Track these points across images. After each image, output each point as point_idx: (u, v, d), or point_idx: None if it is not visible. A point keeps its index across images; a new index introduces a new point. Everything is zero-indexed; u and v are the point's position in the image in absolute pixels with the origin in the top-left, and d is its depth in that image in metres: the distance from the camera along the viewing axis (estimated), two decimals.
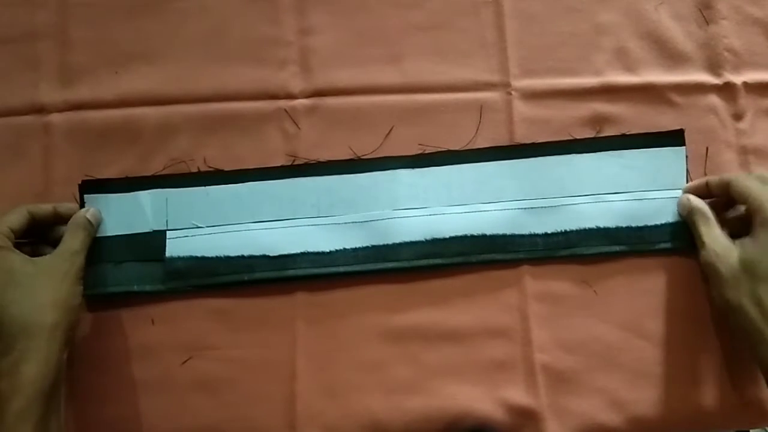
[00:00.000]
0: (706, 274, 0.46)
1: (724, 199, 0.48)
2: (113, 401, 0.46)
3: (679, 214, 0.48)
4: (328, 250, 0.48)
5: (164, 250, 0.46)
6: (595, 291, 0.49)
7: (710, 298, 0.47)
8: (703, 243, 0.45)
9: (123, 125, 0.50)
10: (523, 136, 0.51)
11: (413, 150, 0.50)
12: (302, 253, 0.48)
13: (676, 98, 0.52)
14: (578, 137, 0.51)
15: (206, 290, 0.47)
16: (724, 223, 0.47)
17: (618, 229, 0.49)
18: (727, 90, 0.52)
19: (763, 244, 0.42)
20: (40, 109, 0.50)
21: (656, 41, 0.53)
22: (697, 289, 0.49)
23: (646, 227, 0.49)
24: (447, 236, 0.48)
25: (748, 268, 0.42)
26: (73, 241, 0.44)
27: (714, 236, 0.45)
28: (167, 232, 0.48)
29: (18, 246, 0.44)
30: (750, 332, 0.42)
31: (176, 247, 0.48)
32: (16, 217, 0.44)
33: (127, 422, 0.46)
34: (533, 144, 0.50)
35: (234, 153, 0.50)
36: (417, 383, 0.47)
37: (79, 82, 0.51)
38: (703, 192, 0.48)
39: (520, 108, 0.51)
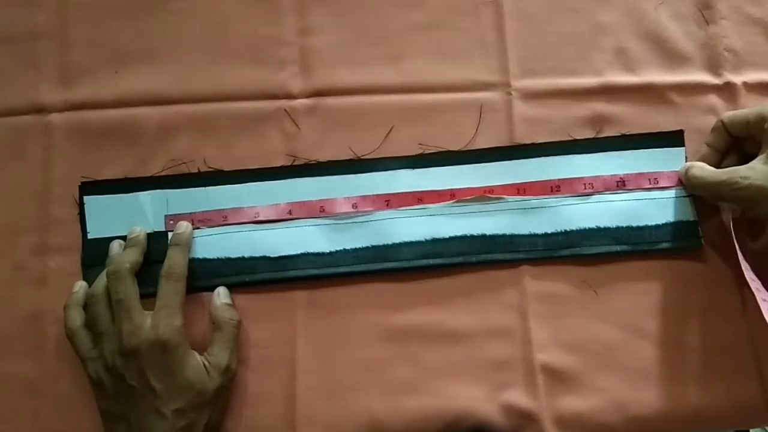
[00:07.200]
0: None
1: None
2: None
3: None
4: (328, 251, 0.48)
5: (165, 252, 0.46)
6: (595, 291, 0.49)
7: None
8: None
9: (123, 125, 0.50)
10: (523, 136, 0.51)
11: (413, 150, 0.50)
12: (303, 254, 0.48)
13: (676, 98, 0.52)
14: (578, 137, 0.51)
15: (207, 291, 0.47)
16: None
17: (618, 228, 0.49)
18: (727, 90, 0.52)
19: None
20: (40, 109, 0.50)
21: (656, 41, 0.53)
22: (697, 289, 0.49)
23: (646, 227, 0.49)
24: (447, 236, 0.48)
25: None
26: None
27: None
28: (168, 233, 0.48)
29: None
30: None
31: None
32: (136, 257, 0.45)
33: None
34: (533, 144, 0.50)
35: (234, 153, 0.50)
36: (417, 383, 0.47)
37: (79, 82, 0.51)
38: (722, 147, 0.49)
39: (520, 108, 0.51)
